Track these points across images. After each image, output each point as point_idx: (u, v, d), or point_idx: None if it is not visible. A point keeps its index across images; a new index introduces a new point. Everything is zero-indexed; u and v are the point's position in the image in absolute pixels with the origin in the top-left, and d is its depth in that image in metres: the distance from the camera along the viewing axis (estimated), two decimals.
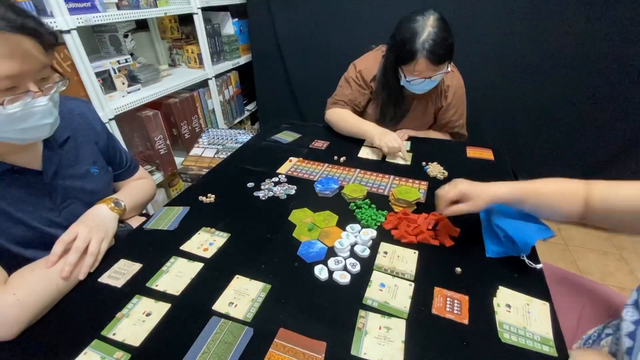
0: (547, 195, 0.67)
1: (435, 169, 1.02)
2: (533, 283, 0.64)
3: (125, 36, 1.53)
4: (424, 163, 1.07)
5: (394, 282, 0.65)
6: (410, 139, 1.25)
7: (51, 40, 0.61)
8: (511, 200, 0.68)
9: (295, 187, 0.96)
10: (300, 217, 0.84)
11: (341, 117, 1.26)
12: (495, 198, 0.68)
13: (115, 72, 1.41)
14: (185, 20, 1.91)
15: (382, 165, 1.08)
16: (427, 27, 0.98)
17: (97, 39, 1.52)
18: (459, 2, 1.64)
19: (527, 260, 0.66)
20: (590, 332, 0.64)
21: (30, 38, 0.56)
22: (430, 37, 0.97)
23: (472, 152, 1.14)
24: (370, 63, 1.24)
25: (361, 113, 1.35)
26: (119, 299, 0.62)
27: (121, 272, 0.68)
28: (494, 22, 1.63)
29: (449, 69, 1.07)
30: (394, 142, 1.08)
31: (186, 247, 0.74)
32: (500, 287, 0.63)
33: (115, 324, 0.57)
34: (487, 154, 1.12)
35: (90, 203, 0.77)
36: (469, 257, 0.70)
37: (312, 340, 0.54)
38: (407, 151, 1.16)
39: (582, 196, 0.63)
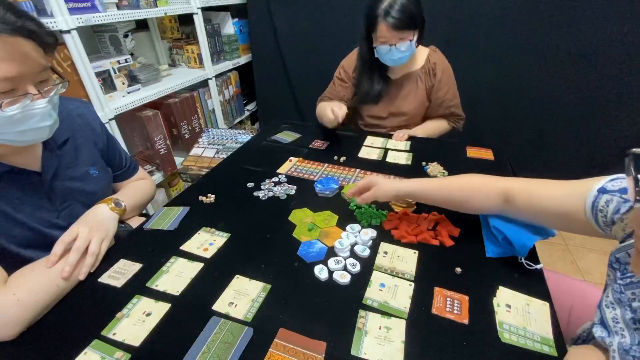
0: (456, 189, 0.71)
1: (435, 169, 1.02)
2: (533, 283, 0.64)
3: (125, 36, 1.53)
4: (424, 163, 1.07)
5: (394, 282, 0.65)
6: (410, 139, 1.25)
7: (50, 42, 0.60)
8: (415, 193, 0.75)
9: (295, 187, 0.96)
10: (300, 217, 0.84)
11: (320, 107, 1.33)
12: (396, 189, 0.74)
13: (115, 72, 1.41)
14: (185, 20, 1.91)
15: (382, 165, 1.08)
16: None
17: (97, 39, 1.52)
18: (458, 5, 1.64)
19: (525, 262, 0.66)
20: (579, 331, 0.64)
21: (29, 40, 0.56)
22: (390, 3, 1.06)
23: (472, 152, 1.14)
24: (352, 57, 1.33)
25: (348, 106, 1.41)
26: (119, 299, 0.62)
27: (121, 272, 0.68)
28: (493, 22, 1.63)
29: (415, 38, 1.12)
30: (327, 115, 1.12)
31: (186, 247, 0.74)
32: (500, 287, 0.63)
33: (115, 324, 0.57)
34: (487, 154, 1.12)
35: (90, 204, 0.77)
36: (469, 257, 0.70)
37: (312, 340, 0.54)
38: (407, 151, 1.16)
39: (499, 193, 0.66)
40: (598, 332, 0.50)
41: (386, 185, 0.75)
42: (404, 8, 1.05)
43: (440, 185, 0.74)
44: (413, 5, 1.07)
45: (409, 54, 1.15)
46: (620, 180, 0.51)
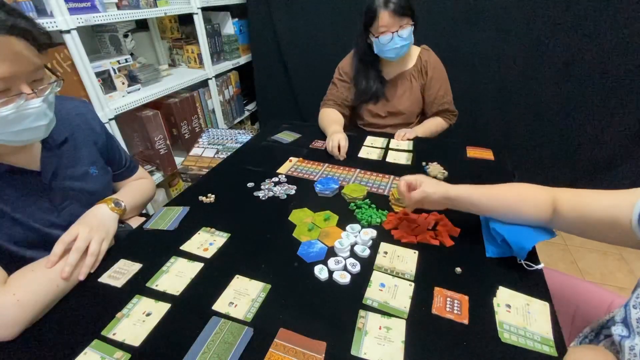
0: (506, 199, 0.68)
1: (435, 169, 1.02)
2: (533, 283, 0.64)
3: (125, 36, 1.53)
4: (424, 163, 1.07)
5: (394, 282, 0.65)
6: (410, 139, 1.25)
7: (44, 41, 0.59)
8: (463, 200, 0.69)
9: (295, 187, 0.96)
10: (300, 217, 0.84)
11: (322, 116, 1.36)
12: (447, 194, 0.69)
13: (115, 72, 1.41)
14: (185, 20, 1.91)
15: (382, 165, 1.08)
16: None
17: (97, 39, 1.52)
18: (460, 7, 1.64)
19: (524, 263, 0.66)
20: (586, 330, 0.64)
21: (22, 39, 0.55)
22: None
23: (472, 152, 1.14)
24: (349, 59, 1.36)
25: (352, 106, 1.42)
26: (119, 299, 0.62)
27: (121, 272, 0.68)
28: (494, 23, 1.63)
29: (412, 27, 1.17)
30: (331, 142, 1.12)
31: (186, 247, 0.74)
32: (500, 287, 0.63)
33: (115, 324, 0.57)
34: (487, 154, 1.12)
35: (90, 204, 0.77)
36: (469, 257, 0.70)
37: (312, 340, 0.54)
38: (407, 151, 1.16)
39: (548, 202, 0.64)
40: (618, 330, 0.49)
41: (436, 189, 0.70)
42: None
43: (491, 192, 0.69)
44: None
45: (409, 43, 1.20)
46: None
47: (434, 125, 1.34)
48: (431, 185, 0.70)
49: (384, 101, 1.35)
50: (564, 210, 0.62)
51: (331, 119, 1.30)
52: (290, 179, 1.01)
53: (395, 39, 1.16)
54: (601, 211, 0.56)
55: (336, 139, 1.11)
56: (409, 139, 1.25)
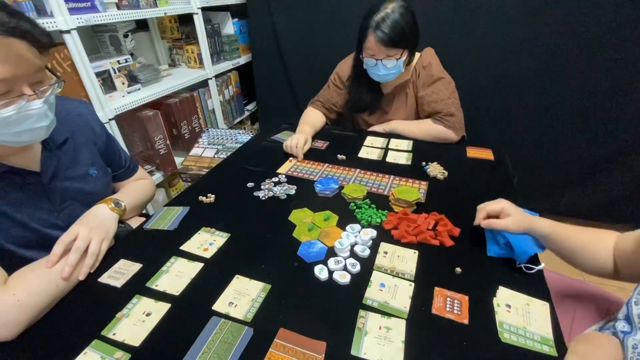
0: (586, 240, 0.65)
1: (435, 169, 1.02)
2: (533, 283, 0.64)
3: (125, 36, 1.53)
4: (424, 163, 1.07)
5: (394, 282, 0.65)
6: (412, 139, 1.24)
7: (45, 42, 0.59)
8: (548, 235, 0.65)
9: (295, 187, 0.96)
10: (300, 217, 0.84)
11: (304, 114, 1.36)
12: (533, 226, 0.65)
13: (115, 72, 1.41)
14: (185, 20, 1.91)
15: (382, 165, 1.08)
16: (385, 9, 1.04)
17: (97, 39, 1.52)
18: (458, 4, 1.64)
19: (523, 266, 0.66)
20: (587, 331, 0.64)
21: (24, 41, 0.55)
22: (383, 17, 1.04)
23: (472, 152, 1.14)
24: (347, 63, 1.32)
25: (341, 112, 1.40)
26: (119, 299, 0.62)
27: (121, 272, 0.68)
28: (493, 22, 1.63)
29: (404, 58, 1.10)
30: (290, 141, 1.12)
31: (186, 247, 0.74)
32: (500, 287, 0.63)
33: (115, 324, 0.57)
34: (487, 154, 1.12)
35: (89, 204, 0.77)
36: (469, 257, 0.70)
37: (312, 340, 0.54)
38: (407, 151, 1.16)
39: (611, 246, 0.63)
40: (620, 326, 0.50)
41: (522, 219, 0.67)
42: (396, 24, 1.03)
43: (573, 231, 0.66)
44: (406, 23, 1.04)
45: (395, 72, 1.14)
46: None
47: (417, 124, 1.25)
48: (516, 222, 0.65)
49: (380, 113, 1.32)
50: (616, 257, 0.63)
51: (306, 120, 1.29)
52: (290, 179, 1.01)
53: (379, 66, 1.10)
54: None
55: (296, 138, 1.11)
56: (384, 130, 1.26)
